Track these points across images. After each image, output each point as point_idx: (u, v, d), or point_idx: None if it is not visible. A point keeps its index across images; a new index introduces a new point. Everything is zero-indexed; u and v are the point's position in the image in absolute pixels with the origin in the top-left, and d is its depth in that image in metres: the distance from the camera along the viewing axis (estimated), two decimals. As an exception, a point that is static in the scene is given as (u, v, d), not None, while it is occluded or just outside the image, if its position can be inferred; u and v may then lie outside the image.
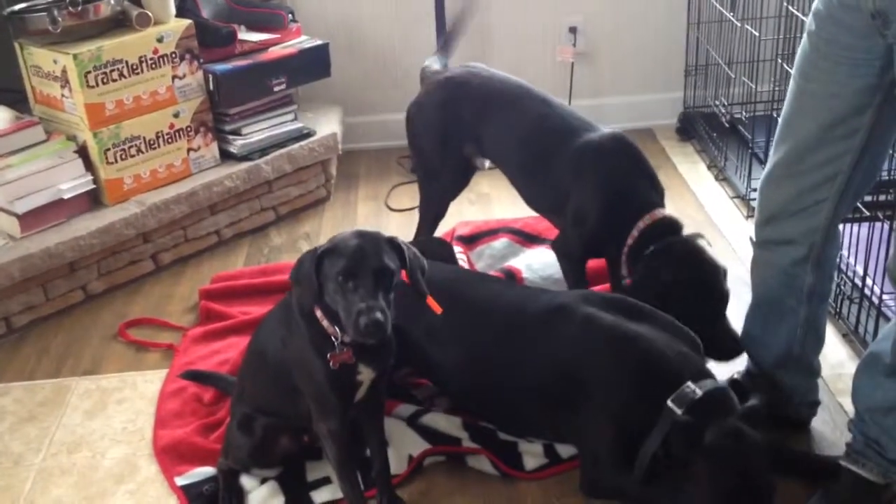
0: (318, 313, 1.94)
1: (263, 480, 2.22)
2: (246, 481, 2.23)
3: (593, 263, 2.78)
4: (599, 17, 4.02)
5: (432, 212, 2.97)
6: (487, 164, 2.89)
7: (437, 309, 2.05)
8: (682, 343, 2.15)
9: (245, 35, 3.46)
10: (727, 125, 3.65)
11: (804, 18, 2.59)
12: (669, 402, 1.97)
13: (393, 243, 1.93)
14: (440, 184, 2.91)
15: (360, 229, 1.95)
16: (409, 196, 3.69)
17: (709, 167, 3.73)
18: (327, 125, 3.67)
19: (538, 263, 3.00)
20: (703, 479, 1.89)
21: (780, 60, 3.05)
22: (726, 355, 2.37)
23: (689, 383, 1.99)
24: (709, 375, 2.06)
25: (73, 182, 2.99)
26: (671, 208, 3.38)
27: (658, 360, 2.06)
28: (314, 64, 3.52)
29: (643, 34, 4.05)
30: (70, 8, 2.96)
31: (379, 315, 1.80)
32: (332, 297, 1.87)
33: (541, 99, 2.73)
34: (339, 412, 2.00)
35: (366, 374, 2.00)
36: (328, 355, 1.93)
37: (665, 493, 2.04)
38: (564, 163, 2.58)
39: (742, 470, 1.89)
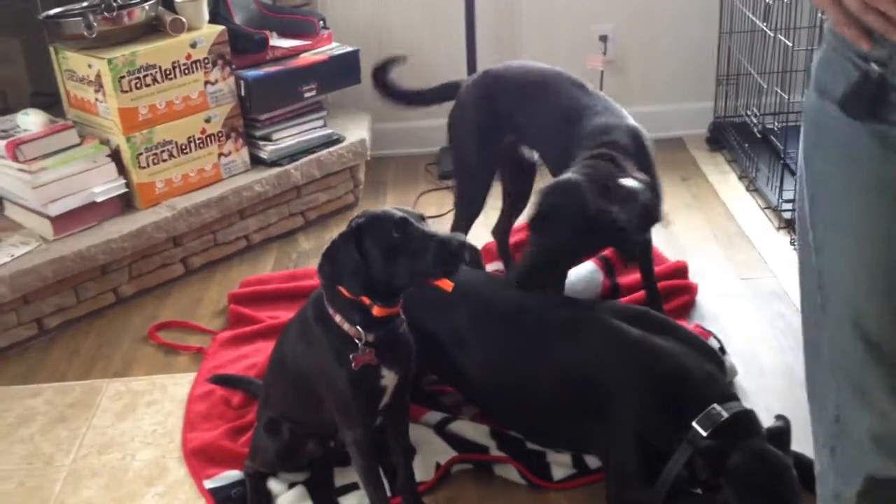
0: (337, 318, 1.93)
1: (291, 485, 2.22)
2: (274, 485, 2.23)
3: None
4: (630, 26, 4.00)
5: (467, 211, 2.92)
6: (536, 154, 2.86)
7: (448, 286, 2.01)
8: (708, 362, 2.13)
9: (277, 41, 3.48)
10: (759, 135, 3.62)
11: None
12: (695, 424, 1.95)
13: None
14: (475, 181, 2.87)
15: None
16: (437, 203, 3.70)
17: (740, 178, 3.70)
18: (356, 131, 3.68)
19: (572, 276, 2.95)
20: (732, 502, 1.88)
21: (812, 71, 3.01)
22: None
23: (716, 405, 1.97)
24: (734, 398, 2.04)
25: (105, 185, 3.01)
26: (701, 219, 3.40)
27: (684, 378, 2.05)
28: (344, 70, 3.54)
29: (674, 43, 4.04)
30: (105, 13, 3.00)
31: (461, 235, 1.83)
32: (384, 265, 1.84)
33: (578, 85, 2.69)
34: (363, 420, 2.00)
35: (389, 379, 1.99)
36: (351, 356, 1.92)
37: None
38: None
39: (770, 492, 1.87)
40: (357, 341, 1.92)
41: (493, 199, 2.98)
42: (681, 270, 2.97)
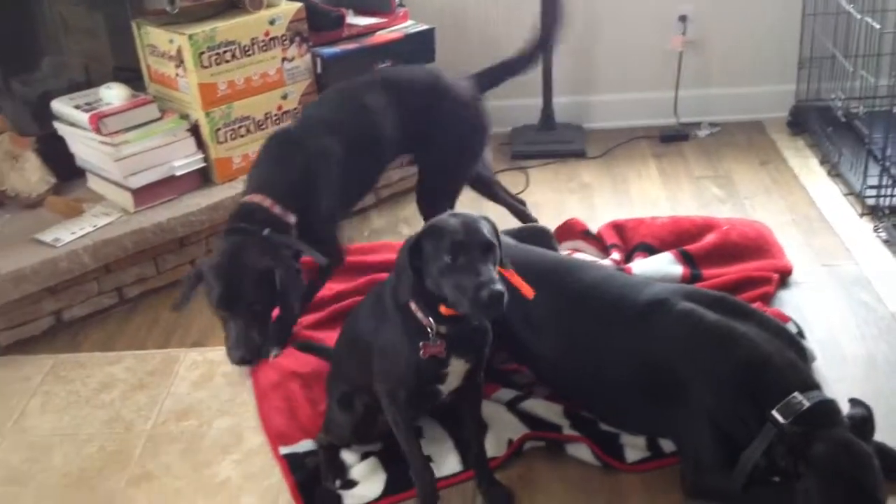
0: (413, 305, 1.94)
1: (364, 456, 2.24)
2: (347, 456, 2.25)
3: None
4: (711, 6, 3.92)
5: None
6: None
7: (529, 292, 2.01)
8: (789, 349, 2.09)
9: (353, 19, 3.49)
10: (843, 120, 3.52)
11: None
12: (775, 412, 1.92)
13: (488, 221, 1.91)
14: None
15: (453, 211, 1.94)
16: (508, 182, 3.66)
17: (821, 163, 3.61)
18: (430, 110, 3.67)
19: (650, 269, 2.88)
20: (813, 492, 1.84)
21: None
22: None
23: (797, 394, 1.93)
24: (816, 386, 2.00)
25: (185, 160, 3.07)
26: (781, 204, 3.33)
27: (765, 365, 2.01)
28: (419, 48, 3.53)
29: (756, 24, 3.94)
30: (187, -11, 3.04)
31: (500, 286, 1.79)
32: (436, 280, 1.85)
33: None
34: (411, 391, 2.00)
35: (456, 367, 1.99)
36: (420, 344, 1.93)
37: (770, 501, 1.99)
38: None
39: (852, 482, 1.83)
40: (429, 330, 1.93)
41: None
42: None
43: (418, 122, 2.71)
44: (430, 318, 1.92)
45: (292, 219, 2.47)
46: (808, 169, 3.60)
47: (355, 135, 2.61)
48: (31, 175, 3.07)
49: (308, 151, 2.53)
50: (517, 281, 1.99)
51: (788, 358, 2.04)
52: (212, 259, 2.38)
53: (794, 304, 2.73)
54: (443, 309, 1.90)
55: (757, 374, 2.00)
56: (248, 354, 2.31)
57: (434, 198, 2.81)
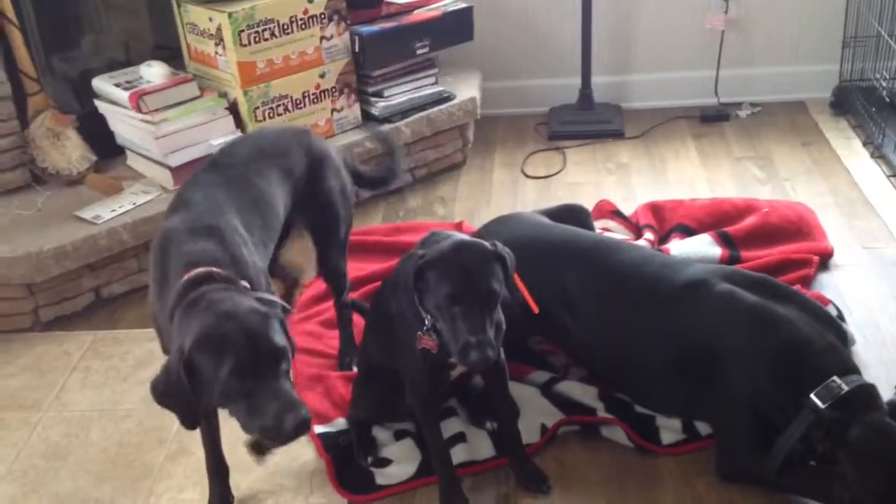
0: (415, 297, 1.91)
1: (400, 436, 2.26)
2: (379, 433, 2.27)
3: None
4: (754, -17, 3.86)
5: None
6: None
7: (534, 307, 2.01)
8: (829, 332, 2.06)
9: (391, -3, 3.48)
10: (887, 100, 3.45)
11: None
12: (813, 396, 1.90)
13: (498, 256, 1.86)
14: None
15: (463, 239, 1.88)
16: (546, 164, 3.66)
17: (864, 144, 3.54)
18: (467, 90, 3.66)
19: (689, 250, 2.83)
20: (849, 476, 1.83)
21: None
22: None
23: (836, 378, 1.91)
24: (855, 370, 1.98)
25: (223, 138, 3.07)
26: (822, 185, 3.28)
27: (803, 348, 1.99)
28: (458, 27, 3.52)
29: (799, 3, 3.87)
30: (226, -33, 3.04)
31: (490, 352, 1.77)
32: (433, 311, 1.84)
33: None
34: (427, 385, 2.01)
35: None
36: (417, 334, 1.92)
37: (807, 485, 1.98)
38: None
39: (890, 467, 1.81)
40: (426, 322, 1.91)
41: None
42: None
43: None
44: (429, 315, 1.90)
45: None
46: (850, 150, 3.54)
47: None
48: (72, 153, 3.10)
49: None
50: (525, 294, 1.99)
51: (828, 341, 2.01)
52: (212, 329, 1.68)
53: (834, 287, 2.70)
54: None
55: (796, 357, 1.98)
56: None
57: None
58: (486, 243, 1.88)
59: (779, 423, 1.97)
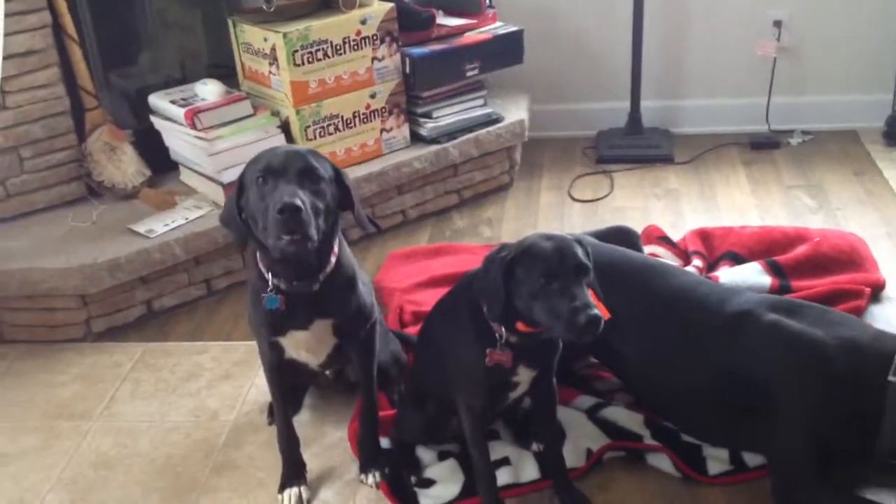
0: (485, 309, 1.92)
1: (443, 456, 2.25)
2: (423, 453, 2.27)
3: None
4: (807, 11, 3.83)
5: None
6: None
7: (606, 313, 2.01)
8: (868, 328, 2.04)
9: (442, 19, 3.51)
10: (942, 131, 3.41)
11: None
12: (892, 377, 1.88)
13: (581, 243, 1.88)
14: None
15: (544, 232, 1.91)
16: (592, 187, 3.66)
17: (919, 176, 3.50)
18: (515, 112, 3.67)
19: (738, 279, 2.81)
20: None
21: None
22: None
23: None
24: None
25: (274, 155, 3.12)
26: (875, 217, 3.23)
27: (854, 346, 1.98)
28: (508, 50, 3.53)
29: (853, 31, 3.84)
30: (283, -12, 3.10)
31: (597, 311, 1.78)
32: (527, 302, 1.84)
33: None
34: (484, 397, 2.01)
35: (524, 375, 1.99)
36: (487, 351, 1.92)
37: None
38: None
39: None
40: (498, 338, 1.92)
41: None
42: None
43: None
44: (503, 328, 1.91)
45: None
46: (904, 181, 3.50)
47: None
48: (128, 167, 3.16)
49: None
50: (595, 300, 1.99)
51: (872, 331, 2.02)
52: None
53: (885, 319, 2.66)
54: (520, 325, 1.90)
55: (849, 358, 1.97)
56: None
57: None
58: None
59: (847, 442, 1.95)
